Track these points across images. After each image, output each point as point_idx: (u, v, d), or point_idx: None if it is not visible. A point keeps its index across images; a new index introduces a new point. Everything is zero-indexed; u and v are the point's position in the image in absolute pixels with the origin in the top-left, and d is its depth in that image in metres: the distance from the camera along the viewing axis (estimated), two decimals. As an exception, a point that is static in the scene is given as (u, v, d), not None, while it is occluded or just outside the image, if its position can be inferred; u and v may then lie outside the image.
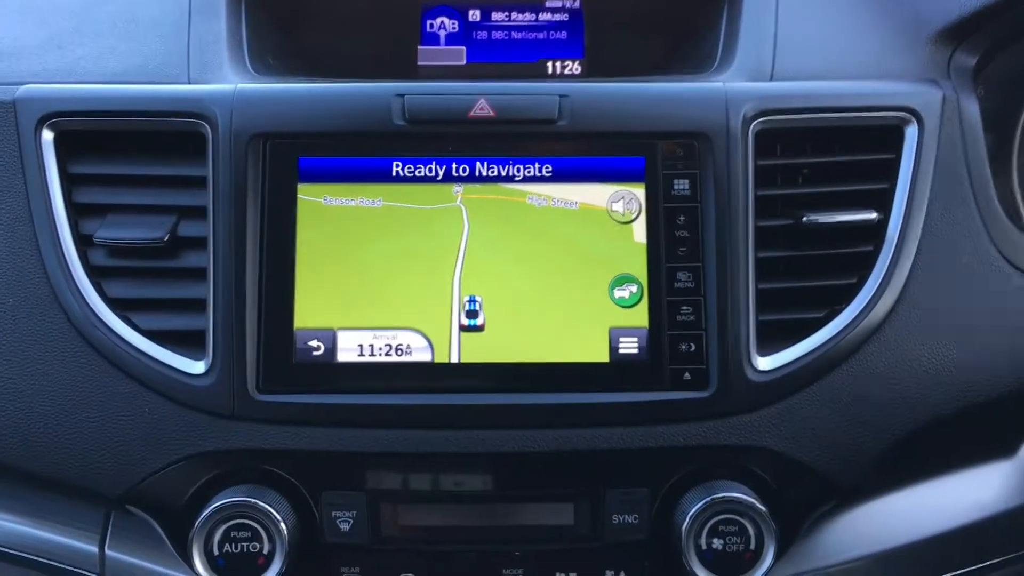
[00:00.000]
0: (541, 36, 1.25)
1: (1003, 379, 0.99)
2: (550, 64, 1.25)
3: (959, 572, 1.01)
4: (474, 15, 1.24)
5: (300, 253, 0.95)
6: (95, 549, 0.97)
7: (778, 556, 0.95)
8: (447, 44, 1.24)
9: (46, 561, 0.97)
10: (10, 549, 0.98)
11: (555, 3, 1.25)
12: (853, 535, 0.99)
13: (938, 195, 0.99)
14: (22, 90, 1.00)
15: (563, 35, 1.25)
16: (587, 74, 1.23)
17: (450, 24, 1.25)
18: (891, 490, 1.01)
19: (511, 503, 0.98)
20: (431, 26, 1.24)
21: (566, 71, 1.25)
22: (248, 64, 1.09)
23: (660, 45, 1.25)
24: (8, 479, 0.99)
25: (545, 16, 1.25)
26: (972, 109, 1.03)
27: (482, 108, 0.97)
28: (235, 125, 0.96)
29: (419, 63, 1.23)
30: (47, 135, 0.98)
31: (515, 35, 1.25)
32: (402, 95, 0.97)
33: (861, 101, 1.00)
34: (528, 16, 1.25)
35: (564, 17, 1.25)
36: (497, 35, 1.25)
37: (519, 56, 1.25)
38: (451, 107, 0.97)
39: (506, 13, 1.25)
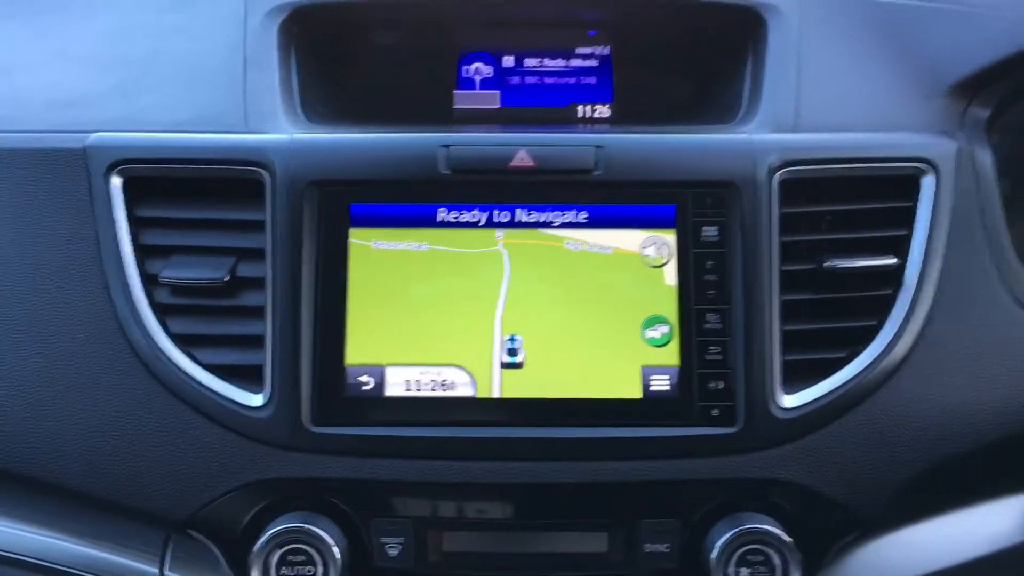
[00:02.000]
0: (572, 81, 1.30)
1: (1016, 418, 1.02)
2: (580, 108, 1.29)
3: (978, 601, 1.06)
4: (508, 61, 1.30)
5: (351, 293, 1.00)
6: (156, 570, 1.01)
7: (803, 585, 0.98)
8: (482, 88, 1.30)
9: (107, 581, 1.02)
10: (73, 569, 1.02)
11: (585, 50, 1.30)
12: (876, 566, 1.03)
13: (954, 242, 1.02)
14: (92, 138, 1.04)
15: (593, 80, 1.30)
16: (616, 118, 1.28)
17: (485, 69, 1.30)
18: (911, 522, 1.04)
19: (548, 531, 1.02)
20: (467, 71, 1.29)
21: (596, 115, 1.29)
22: (300, 112, 1.14)
23: (686, 91, 1.30)
24: (74, 502, 1.04)
25: (576, 62, 1.30)
26: (986, 159, 1.07)
27: (522, 158, 1.02)
28: (292, 173, 1.00)
29: (455, 107, 1.28)
30: (116, 181, 1.03)
31: (547, 80, 1.30)
32: (447, 145, 1.01)
33: (880, 152, 1.04)
34: (559, 62, 1.30)
35: (594, 63, 1.30)
36: (530, 80, 1.30)
37: (551, 100, 1.30)
38: (493, 157, 1.02)
39: (538, 59, 1.30)
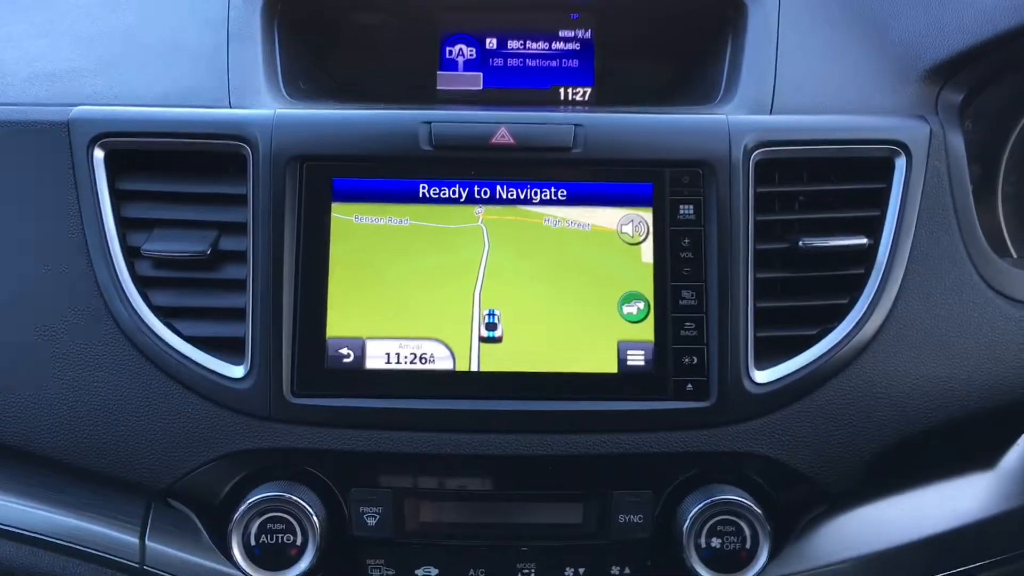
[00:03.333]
0: (554, 64, 1.31)
1: (983, 395, 1.04)
2: (562, 90, 1.30)
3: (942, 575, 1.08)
4: (491, 43, 1.31)
5: (333, 267, 1.01)
6: (136, 540, 1.02)
7: (772, 556, 1.00)
8: (465, 70, 1.30)
9: (88, 550, 1.02)
10: (54, 538, 1.03)
11: (567, 33, 1.31)
12: (843, 538, 1.05)
13: (925, 223, 1.04)
14: (75, 111, 1.05)
15: (575, 63, 1.31)
16: (597, 100, 1.29)
17: (468, 51, 1.31)
18: (879, 497, 1.06)
19: (525, 502, 1.04)
20: (450, 52, 1.30)
21: (577, 97, 1.31)
22: (283, 89, 1.15)
23: (666, 74, 1.32)
24: (55, 472, 1.04)
25: (558, 45, 1.31)
26: (958, 143, 1.08)
27: (503, 135, 1.03)
28: (275, 148, 1.01)
29: (438, 88, 1.29)
30: (98, 154, 1.03)
31: (529, 62, 1.31)
32: (429, 122, 1.02)
33: (854, 134, 1.05)
34: (542, 44, 1.31)
35: (576, 46, 1.31)
36: (512, 62, 1.31)
37: (533, 82, 1.31)
38: (474, 134, 1.03)
39: (521, 41, 1.31)
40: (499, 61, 1.31)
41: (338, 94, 1.25)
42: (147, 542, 1.03)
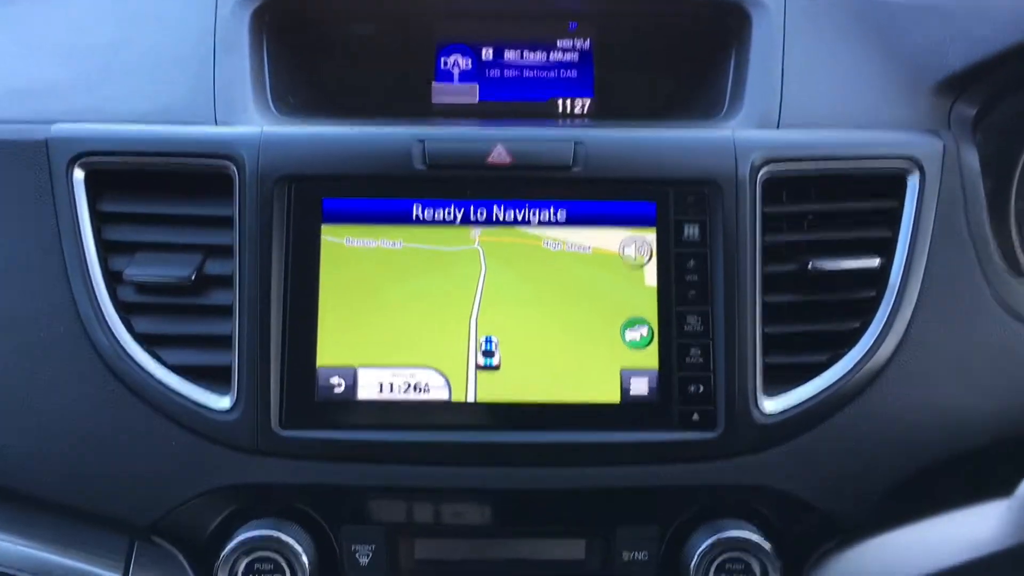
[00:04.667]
0: (552, 75, 1.28)
1: (1002, 422, 1.01)
2: (560, 102, 1.28)
3: (958, 607, 1.05)
4: (487, 53, 1.28)
5: (323, 292, 0.98)
6: None
7: (783, 593, 0.97)
8: (460, 81, 1.27)
9: (69, 589, 1.00)
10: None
11: (566, 43, 1.28)
12: (855, 573, 1.01)
13: (939, 243, 1.01)
14: (54, 129, 1.02)
15: (573, 74, 1.29)
16: (596, 113, 1.26)
17: (463, 62, 1.28)
18: (892, 528, 1.03)
19: (524, 538, 1.01)
20: (445, 63, 1.27)
21: (576, 110, 1.28)
22: (271, 104, 1.11)
23: (668, 86, 1.28)
24: (33, 507, 1.01)
25: (556, 55, 1.28)
26: (971, 158, 1.06)
27: (499, 154, 1.00)
28: (262, 167, 0.98)
29: (433, 100, 1.26)
30: (78, 174, 1.00)
31: (527, 73, 1.28)
32: (422, 140, 0.99)
33: (865, 150, 1.03)
34: (539, 55, 1.28)
35: (574, 57, 1.28)
36: (509, 73, 1.28)
37: (530, 94, 1.28)
38: (470, 153, 1.00)
39: (518, 52, 1.28)
40: (496, 72, 1.28)
41: (329, 108, 1.21)
42: (130, 580, 1.00)
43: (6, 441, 0.99)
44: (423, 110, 1.24)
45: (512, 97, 1.27)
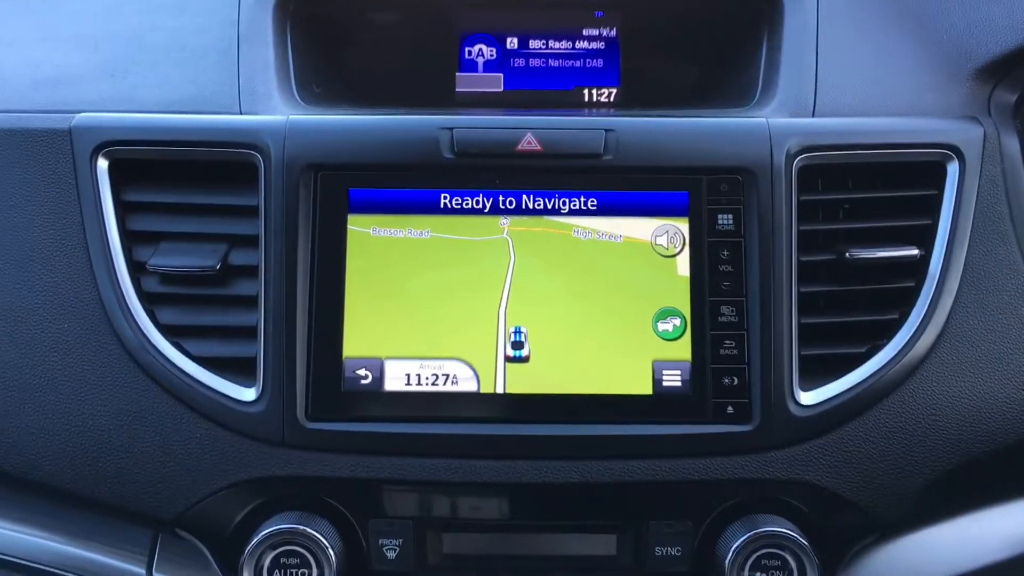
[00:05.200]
0: (577, 64, 1.27)
1: None
2: (586, 91, 1.26)
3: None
4: (512, 43, 1.26)
5: (349, 282, 0.96)
6: (143, 571, 0.99)
7: (820, 590, 0.95)
8: (485, 71, 1.26)
9: (93, 582, 0.99)
10: (57, 569, 1.00)
11: (592, 31, 1.26)
12: (894, 570, 1.00)
13: (979, 231, 0.99)
14: (78, 118, 1.01)
15: (599, 63, 1.27)
16: (623, 102, 1.24)
17: (488, 51, 1.26)
18: (932, 524, 1.01)
19: (554, 533, 0.99)
20: (469, 53, 1.26)
21: (602, 99, 1.26)
22: (296, 93, 1.10)
23: (696, 74, 1.26)
24: (57, 500, 1.00)
25: (582, 44, 1.27)
26: (1013, 145, 1.03)
27: (529, 142, 0.98)
28: (288, 156, 0.97)
29: (457, 90, 1.24)
30: (102, 163, 1.00)
31: (552, 62, 1.27)
32: (450, 128, 0.98)
33: (903, 138, 1.00)
34: (565, 44, 1.27)
35: (600, 45, 1.27)
36: (534, 62, 1.27)
37: (555, 83, 1.26)
38: (499, 141, 0.98)
39: (543, 41, 1.26)
40: (520, 61, 1.27)
41: (353, 97, 1.20)
42: (155, 573, 0.99)
43: (30, 434, 0.98)
44: (447, 99, 1.23)
45: (537, 86, 1.26)
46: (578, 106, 1.24)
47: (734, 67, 1.18)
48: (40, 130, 1.01)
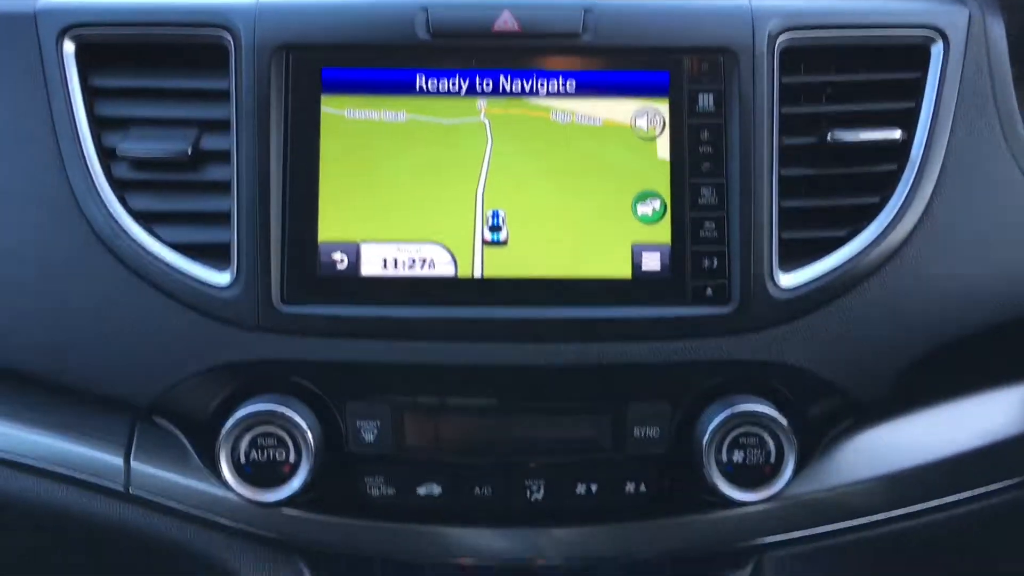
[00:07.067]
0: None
1: (1021, 299, 0.99)
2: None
3: (968, 494, 1.03)
4: None
5: (323, 166, 0.94)
6: (120, 461, 0.98)
7: (796, 471, 0.95)
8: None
9: (70, 474, 0.98)
10: (34, 462, 0.99)
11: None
12: (869, 455, 1.01)
13: (962, 115, 0.98)
14: (42, 2, 0.98)
15: None
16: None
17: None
18: (907, 412, 1.02)
19: (533, 415, 0.99)
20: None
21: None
22: None
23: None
24: (34, 390, 0.99)
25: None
26: (998, 29, 1.01)
27: (506, 21, 0.96)
28: (258, 36, 0.94)
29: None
30: (68, 47, 0.97)
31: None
32: (426, 7, 0.95)
33: (887, 19, 0.99)
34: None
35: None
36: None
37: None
38: (475, 20, 0.96)
39: None
40: None
41: None
42: (132, 463, 0.99)
43: (2, 318, 0.97)
44: None
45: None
46: None
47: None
48: (4, 14, 0.98)
